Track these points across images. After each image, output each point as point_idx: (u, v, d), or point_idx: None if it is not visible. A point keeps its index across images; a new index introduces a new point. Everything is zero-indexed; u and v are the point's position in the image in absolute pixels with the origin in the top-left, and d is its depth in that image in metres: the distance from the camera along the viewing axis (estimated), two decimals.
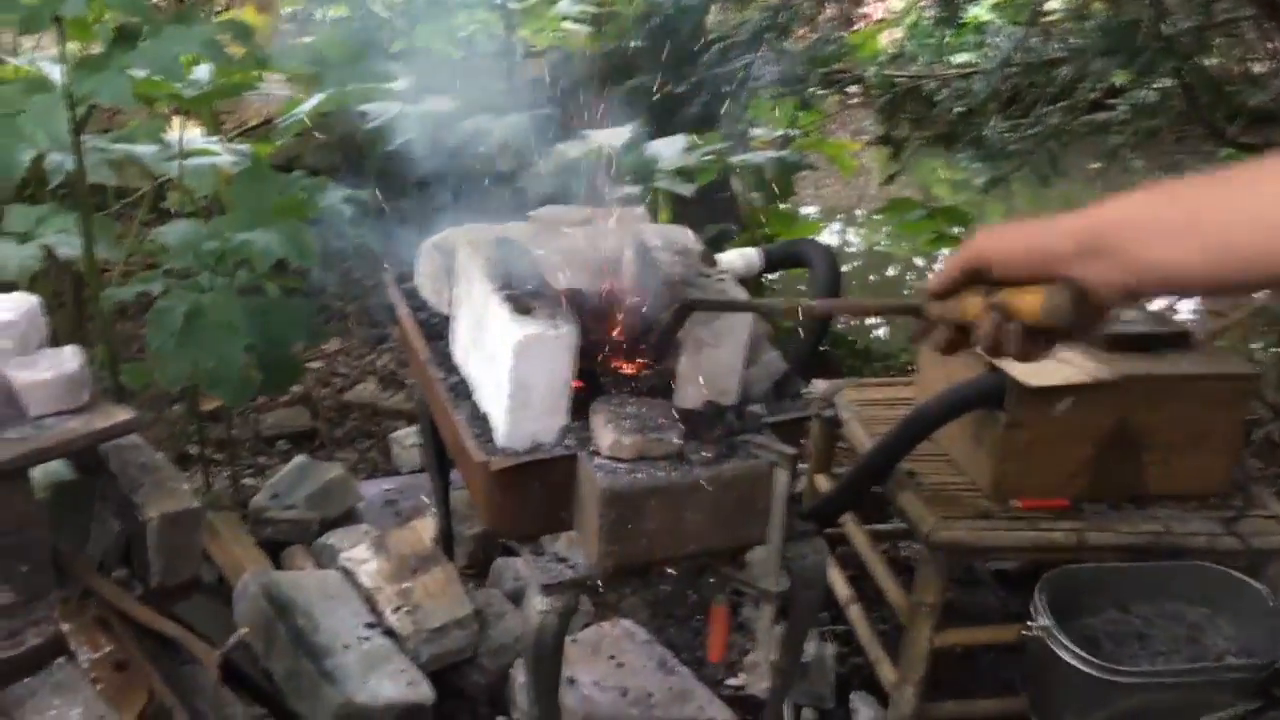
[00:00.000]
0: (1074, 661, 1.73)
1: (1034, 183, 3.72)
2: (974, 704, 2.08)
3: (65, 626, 1.61)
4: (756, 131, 4.05)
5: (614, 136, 2.70)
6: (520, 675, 2.03)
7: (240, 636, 1.63)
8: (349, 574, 2.18)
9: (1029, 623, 1.80)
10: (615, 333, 1.70)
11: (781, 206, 3.87)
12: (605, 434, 1.52)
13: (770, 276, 3.22)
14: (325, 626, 2.01)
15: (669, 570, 1.96)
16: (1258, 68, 3.94)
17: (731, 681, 2.19)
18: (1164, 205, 0.89)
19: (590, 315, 1.66)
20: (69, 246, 2.29)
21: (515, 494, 1.55)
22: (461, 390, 1.70)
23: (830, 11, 3.56)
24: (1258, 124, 3.67)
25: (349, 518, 2.58)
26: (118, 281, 2.60)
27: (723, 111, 3.98)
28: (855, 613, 2.29)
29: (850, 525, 2.30)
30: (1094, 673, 1.71)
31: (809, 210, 6.21)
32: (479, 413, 1.63)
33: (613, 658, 2.11)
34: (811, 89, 3.92)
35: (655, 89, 3.56)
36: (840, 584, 2.35)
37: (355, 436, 3.20)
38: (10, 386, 1.67)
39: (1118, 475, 1.93)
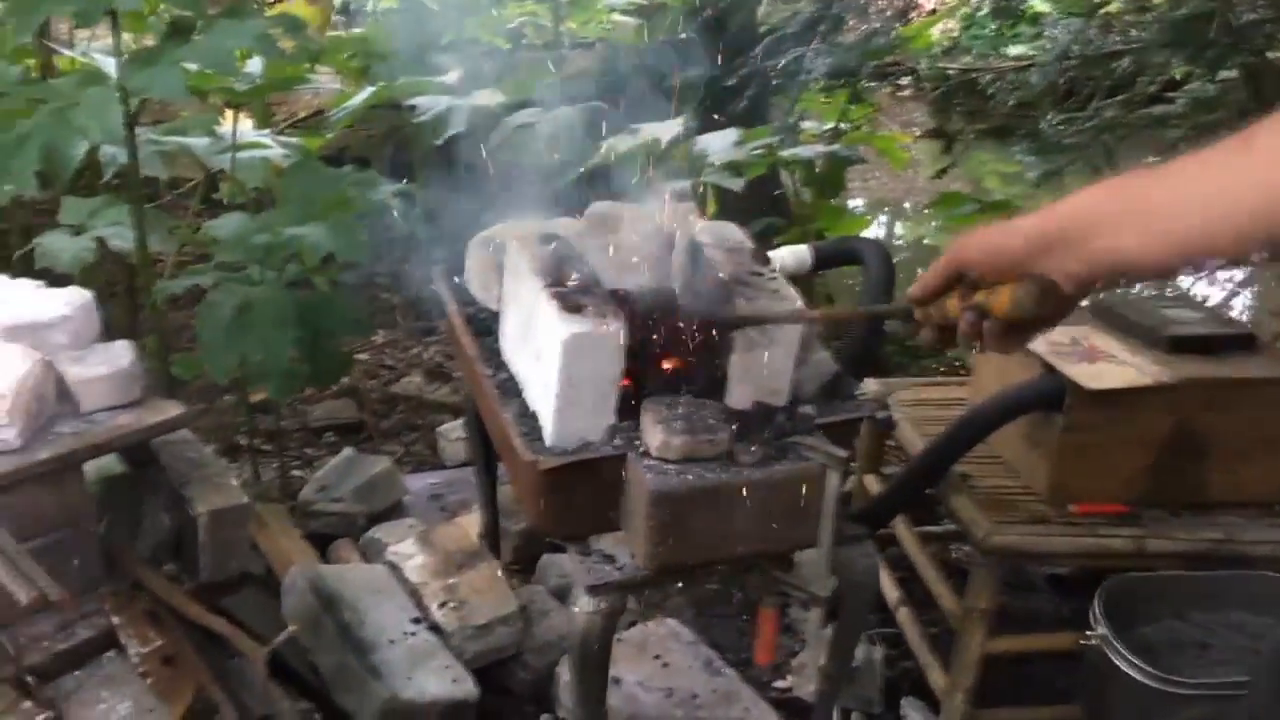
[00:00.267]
0: (1132, 672, 1.68)
1: (1088, 177, 3.65)
2: (1026, 712, 2.04)
3: (115, 620, 1.62)
4: (807, 125, 4.01)
5: (664, 130, 2.68)
6: (565, 673, 2.02)
7: (288, 634, 1.63)
8: (395, 569, 2.18)
9: (1087, 631, 1.76)
10: (665, 331, 1.68)
11: (836, 199, 3.83)
12: (654, 434, 1.50)
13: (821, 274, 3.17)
14: (371, 621, 2.01)
15: (717, 571, 1.94)
16: None
17: (778, 684, 2.17)
18: (1114, 197, 0.95)
19: (640, 313, 1.64)
20: (122, 239, 2.31)
21: (562, 494, 1.53)
22: (510, 387, 1.69)
23: (884, 3, 3.50)
24: None
25: (395, 511, 2.59)
26: (170, 273, 2.63)
27: (773, 104, 3.94)
28: (905, 615, 2.25)
29: (900, 527, 2.26)
30: (1153, 683, 1.67)
31: (856, 203, 6.15)
32: (527, 410, 1.62)
33: (658, 657, 2.10)
34: (863, 81, 3.87)
35: (705, 82, 3.53)
36: (890, 586, 2.32)
37: (401, 429, 3.21)
38: (64, 381, 1.69)
39: (1177, 480, 1.88)
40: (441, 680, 1.92)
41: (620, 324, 1.53)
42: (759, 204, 3.68)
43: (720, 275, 1.65)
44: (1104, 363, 1.85)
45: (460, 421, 3.02)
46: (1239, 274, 5.39)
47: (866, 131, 4.08)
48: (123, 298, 2.95)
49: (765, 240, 3.30)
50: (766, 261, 1.82)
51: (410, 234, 2.53)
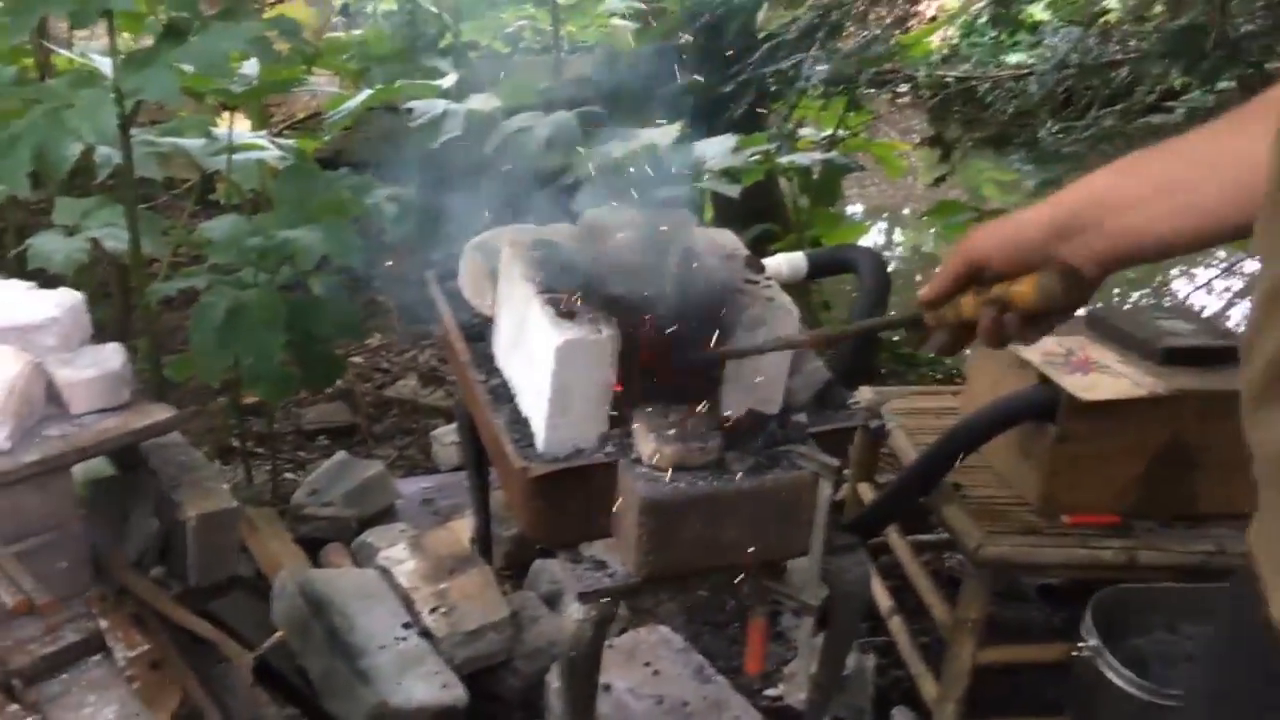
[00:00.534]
0: (1123, 683, 1.68)
1: None
2: None
3: (102, 624, 1.61)
4: (804, 131, 4.01)
5: (661, 136, 2.68)
6: (555, 680, 2.01)
7: (275, 640, 1.63)
8: (386, 573, 2.17)
9: (1078, 643, 1.76)
10: (658, 339, 1.67)
11: (832, 207, 3.83)
12: (646, 442, 1.50)
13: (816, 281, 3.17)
14: (361, 626, 2.00)
15: (708, 579, 1.93)
16: None
17: (769, 692, 2.16)
18: (1131, 175, 0.95)
19: (633, 321, 1.63)
20: (115, 240, 2.30)
21: (553, 501, 1.53)
22: (502, 393, 1.68)
23: (883, 10, 3.50)
24: None
25: (387, 515, 2.58)
26: (164, 274, 2.62)
27: (771, 111, 3.94)
28: (896, 624, 2.25)
29: (893, 536, 2.26)
30: (1143, 695, 1.66)
31: (854, 209, 6.15)
32: (519, 417, 1.61)
33: (648, 664, 2.09)
34: (861, 89, 3.87)
35: (703, 87, 3.53)
36: (882, 595, 2.31)
37: (395, 433, 3.20)
38: (53, 384, 1.68)
39: (1169, 492, 1.88)
40: (430, 686, 1.92)
41: (613, 331, 1.53)
42: (756, 211, 3.68)
43: (715, 283, 1.65)
44: (1097, 374, 1.85)
45: (454, 426, 3.02)
46: (1238, 283, 5.39)
47: (864, 139, 4.09)
48: (116, 299, 2.94)
49: (761, 247, 3.30)
50: (761, 269, 1.82)
51: (405, 238, 2.53)
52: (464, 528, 2.36)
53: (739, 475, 1.50)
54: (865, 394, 2.25)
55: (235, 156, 2.47)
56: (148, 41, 2.17)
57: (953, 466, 1.92)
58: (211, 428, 2.97)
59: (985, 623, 1.88)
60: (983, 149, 4.25)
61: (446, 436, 3.00)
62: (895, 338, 4.10)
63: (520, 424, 1.60)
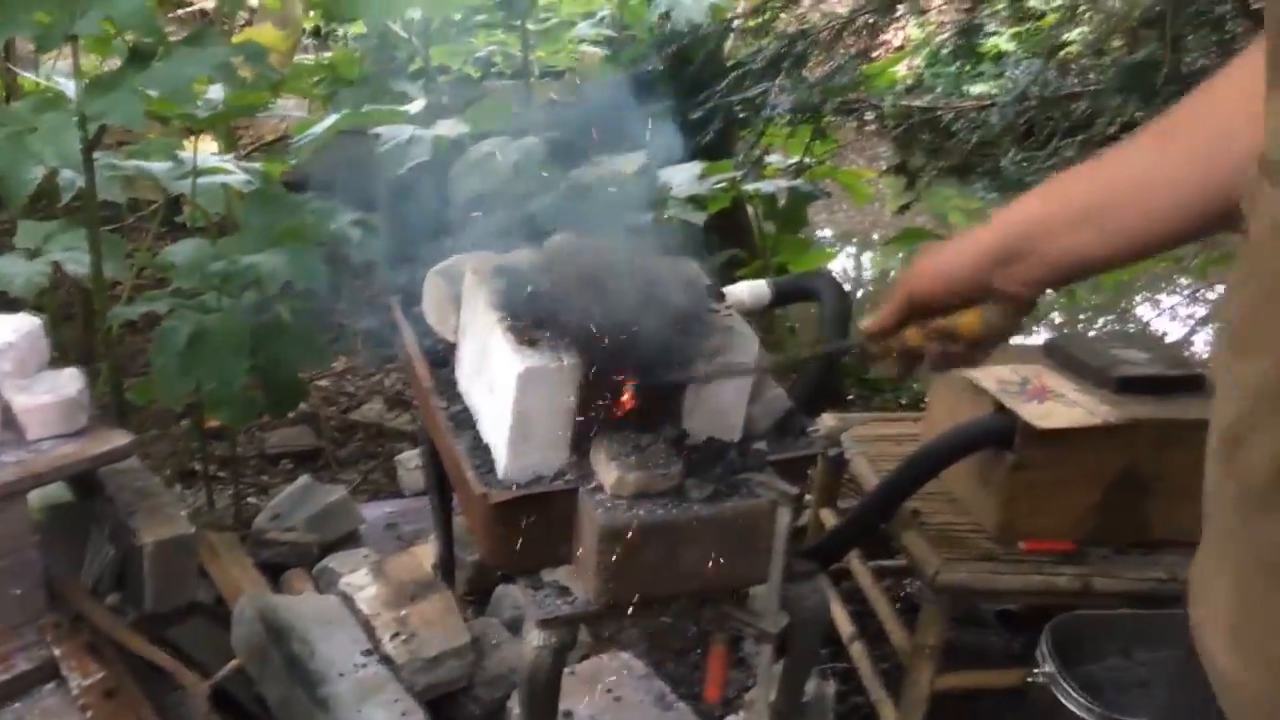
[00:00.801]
0: (1077, 709, 1.70)
1: None
2: None
3: (56, 651, 1.60)
4: (772, 159, 4.05)
5: (628, 163, 2.69)
6: (516, 707, 2.00)
7: (231, 668, 1.62)
8: (347, 599, 2.16)
9: (1034, 669, 1.77)
10: (620, 366, 1.68)
11: (797, 234, 3.86)
12: (608, 471, 1.51)
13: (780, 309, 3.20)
14: (321, 653, 1.99)
15: (670, 606, 1.94)
16: None
17: (730, 719, 2.16)
18: (1057, 203, 0.97)
19: (595, 348, 1.64)
20: (77, 263, 2.29)
21: (513, 527, 1.53)
22: (464, 419, 1.69)
23: (848, 41, 3.55)
24: None
25: (350, 540, 2.57)
26: (127, 297, 2.61)
27: (739, 138, 3.98)
28: (857, 650, 2.26)
29: (854, 562, 2.28)
30: None
31: (824, 234, 6.20)
32: (481, 443, 1.62)
33: (609, 691, 2.09)
34: (827, 117, 3.92)
35: (672, 115, 3.55)
36: (843, 621, 2.33)
37: (360, 457, 3.19)
38: (9, 409, 1.67)
39: (1123, 519, 1.91)
40: (390, 714, 1.91)
41: (574, 359, 1.53)
42: (724, 237, 3.71)
43: (676, 311, 1.66)
44: (1053, 402, 1.88)
45: (419, 450, 3.01)
46: (1200, 310, 5.47)
47: (830, 166, 4.13)
48: (80, 322, 2.92)
49: (729, 273, 3.32)
50: (722, 298, 1.84)
51: (371, 262, 2.53)
52: (427, 553, 2.36)
53: (698, 503, 1.51)
54: (827, 421, 2.27)
55: (200, 180, 2.47)
56: (115, 64, 2.17)
57: (912, 493, 1.94)
58: (173, 452, 2.95)
59: (944, 648, 1.90)
60: (947, 177, 4.30)
61: (411, 461, 2.99)
62: (872, 372, 4.13)
63: (481, 450, 1.60)
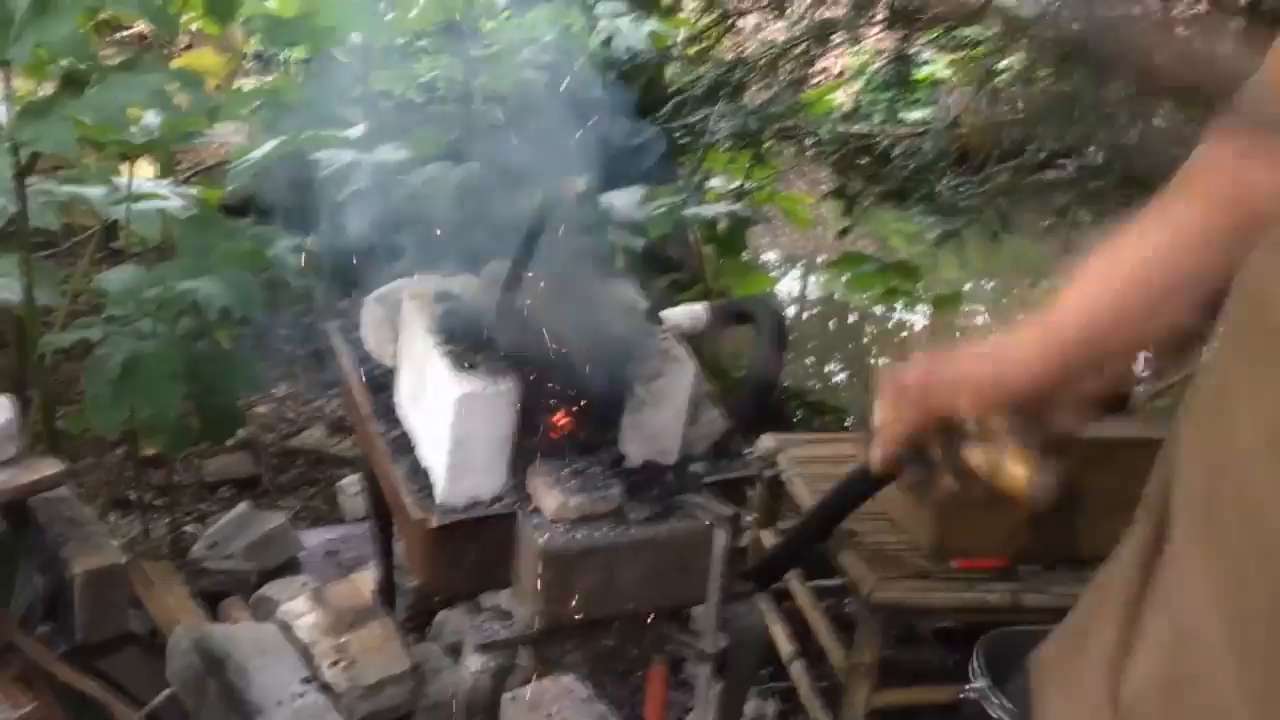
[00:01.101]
0: None
1: (985, 238, 3.78)
2: None
3: None
4: (713, 183, 4.09)
5: (568, 188, 2.71)
6: None
7: (164, 697, 1.60)
8: (286, 627, 2.14)
9: (967, 685, 1.80)
10: (558, 391, 1.70)
11: (738, 258, 3.91)
12: (548, 495, 1.52)
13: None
14: (258, 683, 1.97)
15: (611, 628, 1.95)
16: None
17: None
18: (1109, 313, 0.89)
19: (533, 372, 1.65)
20: (9, 291, 2.26)
21: (451, 551, 1.53)
22: (402, 444, 1.69)
23: (785, 69, 3.61)
24: None
25: (289, 568, 2.55)
26: (60, 324, 2.57)
27: (680, 163, 4.02)
28: (797, 670, 2.28)
29: (793, 582, 2.30)
30: None
31: (769, 256, 6.27)
32: (419, 468, 1.62)
33: (550, 716, 2.09)
34: (767, 143, 3.98)
35: (613, 140, 3.58)
36: (783, 640, 2.35)
37: (300, 484, 3.16)
38: None
39: (1053, 537, 1.95)
40: None
41: (512, 384, 1.55)
42: (667, 260, 3.74)
43: (614, 335, 1.68)
44: None
45: (360, 475, 2.99)
46: None
47: (770, 191, 4.19)
48: (12, 350, 2.87)
49: (670, 296, 3.35)
50: (660, 322, 1.86)
51: (311, 287, 2.52)
52: (367, 579, 2.34)
53: (636, 525, 1.53)
54: (765, 442, 2.30)
55: (137, 205, 2.44)
56: (49, 88, 2.15)
57: (847, 514, 1.96)
58: (108, 480, 2.90)
59: (882, 666, 1.93)
60: (885, 202, 4.38)
61: (352, 487, 2.97)
62: (802, 388, 4.18)
63: (420, 475, 1.60)
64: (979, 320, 5.47)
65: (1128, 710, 0.73)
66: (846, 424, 3.80)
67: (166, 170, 3.25)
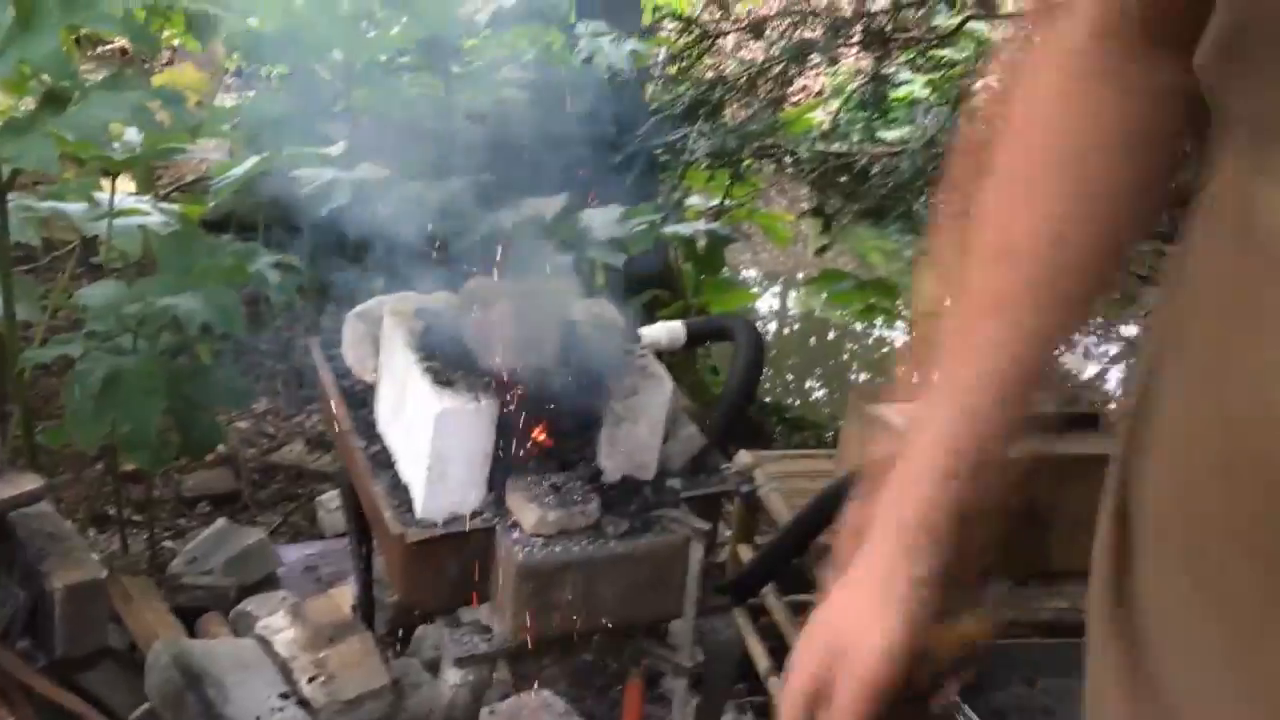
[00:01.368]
0: None
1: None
2: None
3: None
4: (693, 201, 4.13)
5: (548, 205, 2.74)
6: None
7: (142, 712, 1.60)
8: (265, 642, 2.15)
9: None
10: (536, 408, 1.72)
11: (717, 276, 3.94)
12: (527, 510, 1.54)
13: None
14: (237, 698, 1.97)
15: (589, 642, 1.97)
16: None
17: None
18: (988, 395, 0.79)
19: (511, 388, 1.67)
20: None
21: (430, 566, 1.55)
22: (382, 459, 1.70)
23: (764, 88, 3.65)
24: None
25: (268, 584, 2.55)
26: (40, 340, 2.57)
27: (660, 181, 4.06)
28: (774, 684, 2.29)
29: (770, 597, 2.32)
30: None
31: (749, 274, 6.31)
32: (399, 483, 1.64)
33: None
34: (745, 162, 4.02)
35: (593, 158, 3.61)
36: (760, 655, 2.36)
37: (280, 499, 3.16)
38: None
39: (1025, 553, 1.98)
40: None
41: (491, 400, 1.57)
42: (647, 277, 3.77)
43: (592, 353, 1.70)
44: None
45: (339, 491, 2.99)
46: (1112, 348, 5.64)
47: (749, 209, 4.23)
48: None
49: (650, 312, 3.38)
50: (637, 339, 1.89)
51: (293, 303, 2.53)
52: (346, 595, 2.35)
53: (613, 539, 1.55)
54: (742, 458, 2.32)
55: (117, 221, 2.45)
56: (30, 104, 2.16)
57: (824, 529, 1.99)
58: (88, 496, 2.90)
59: None
60: (863, 220, 4.42)
61: (332, 502, 2.98)
62: (780, 404, 4.21)
63: (399, 490, 1.62)
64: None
65: None
66: (825, 440, 3.83)
67: (145, 186, 3.26)
